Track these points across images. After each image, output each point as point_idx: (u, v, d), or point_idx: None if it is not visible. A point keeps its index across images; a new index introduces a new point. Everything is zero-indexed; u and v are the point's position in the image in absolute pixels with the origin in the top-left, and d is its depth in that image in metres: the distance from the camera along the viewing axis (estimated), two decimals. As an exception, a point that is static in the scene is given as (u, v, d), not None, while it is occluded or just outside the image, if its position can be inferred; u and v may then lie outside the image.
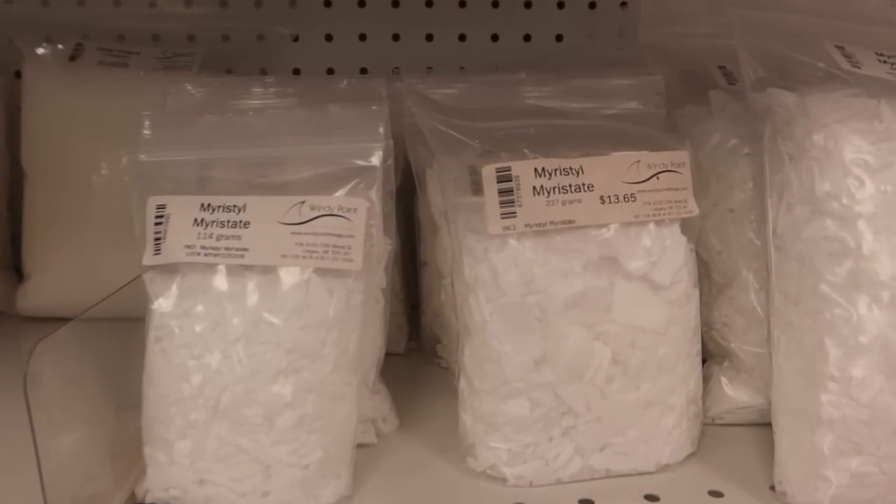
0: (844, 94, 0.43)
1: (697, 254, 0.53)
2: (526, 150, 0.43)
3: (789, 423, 0.41)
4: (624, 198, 0.43)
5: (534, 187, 0.42)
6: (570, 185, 0.43)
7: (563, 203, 0.43)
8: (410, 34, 0.80)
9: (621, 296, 0.43)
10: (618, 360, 0.43)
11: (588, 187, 0.43)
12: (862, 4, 0.48)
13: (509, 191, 0.42)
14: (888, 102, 0.42)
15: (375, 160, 0.42)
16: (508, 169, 0.43)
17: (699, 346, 0.47)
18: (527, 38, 0.82)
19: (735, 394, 0.50)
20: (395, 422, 0.50)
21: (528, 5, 0.80)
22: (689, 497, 0.42)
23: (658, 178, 0.44)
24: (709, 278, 0.53)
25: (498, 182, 0.42)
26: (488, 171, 0.42)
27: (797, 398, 0.41)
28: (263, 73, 0.79)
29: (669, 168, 0.45)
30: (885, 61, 0.45)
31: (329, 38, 0.80)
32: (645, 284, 0.43)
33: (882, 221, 0.40)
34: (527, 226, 0.42)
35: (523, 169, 0.43)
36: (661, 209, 0.44)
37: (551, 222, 0.42)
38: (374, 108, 0.44)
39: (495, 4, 0.80)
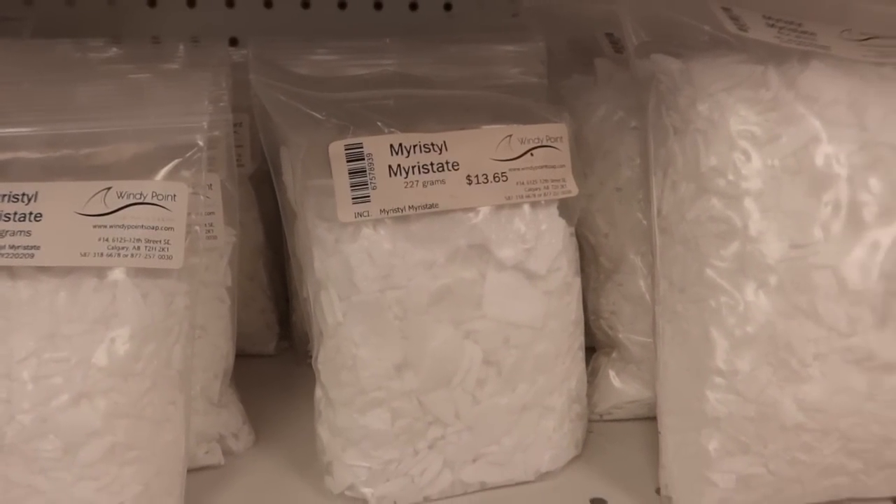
0: (731, 60, 0.40)
1: (584, 237, 0.49)
2: (380, 124, 0.38)
3: (674, 422, 0.38)
4: (494, 177, 0.38)
5: (390, 167, 0.37)
6: (432, 164, 0.38)
7: (424, 184, 0.37)
8: (284, 1, 0.73)
9: (493, 288, 0.38)
10: (490, 361, 0.38)
11: (452, 166, 0.38)
12: (749, -36, 0.44)
13: (361, 171, 0.37)
14: (776, 69, 0.39)
15: (199, 138, 0.36)
16: (360, 145, 0.37)
17: (582, 339, 0.43)
18: (413, 6, 0.76)
19: (623, 387, 0.46)
20: (249, 438, 0.44)
21: (446, -29, 0.75)
22: (571, 509, 0.38)
23: (532, 154, 0.40)
24: (596, 263, 0.49)
25: (348, 161, 0.37)
26: (335, 149, 0.37)
27: (682, 395, 0.38)
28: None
29: (545, 143, 0.40)
30: (772, 25, 0.42)
31: (191, 3, 0.72)
32: (519, 274, 0.39)
33: (770, 199, 0.37)
34: (382, 211, 0.37)
35: (377, 145, 0.37)
36: (536, 189, 0.39)
37: (410, 207, 0.37)
38: (198, 75, 0.37)
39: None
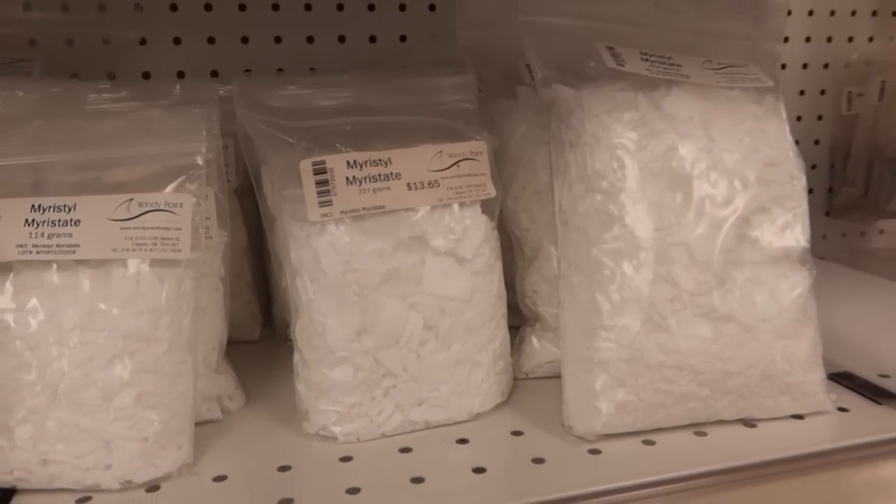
0: (612, 88, 0.51)
1: (511, 231, 0.61)
2: (339, 145, 0.49)
3: (572, 368, 0.49)
4: (429, 184, 0.50)
5: (347, 178, 0.48)
6: (380, 175, 0.49)
7: (374, 191, 0.48)
8: (259, 37, 0.83)
9: (430, 270, 0.49)
10: (429, 326, 0.49)
11: (396, 176, 0.49)
12: (631, 10, 0.55)
13: (325, 182, 0.48)
14: (645, 95, 0.50)
15: (199, 159, 0.46)
16: (323, 162, 0.48)
17: (504, 309, 0.54)
18: (372, 39, 0.87)
19: (543, 350, 0.57)
20: (241, 399, 0.55)
21: (371, 7, 0.86)
22: (495, 438, 0.49)
23: (459, 165, 0.51)
24: (521, 253, 0.60)
25: (314, 174, 0.48)
26: (305, 166, 0.47)
27: (577, 347, 0.49)
28: (111, 76, 0.80)
29: (469, 157, 0.51)
30: (646, 59, 0.53)
31: (177, 41, 0.81)
32: (451, 259, 0.50)
33: (639, 194, 0.48)
34: (342, 212, 0.47)
35: (336, 162, 0.48)
36: (462, 192, 0.50)
37: (364, 208, 0.48)
38: (197, 111, 0.48)
39: (340, 7, 0.85)
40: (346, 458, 0.47)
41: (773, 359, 0.47)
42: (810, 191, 1.11)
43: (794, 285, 0.49)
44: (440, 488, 0.43)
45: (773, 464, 0.45)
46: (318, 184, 0.47)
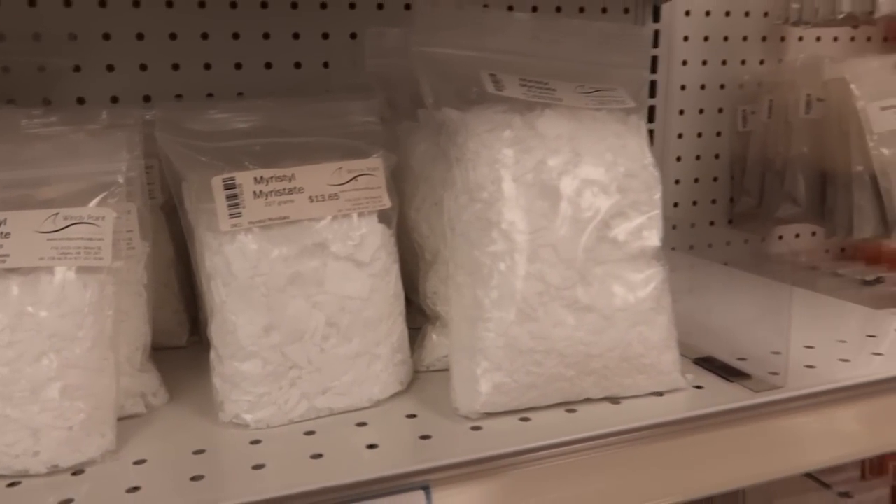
0: (493, 110, 0.58)
1: (414, 239, 0.67)
2: (247, 163, 0.55)
3: (458, 357, 0.56)
4: (329, 196, 0.56)
5: (254, 192, 0.54)
6: (284, 189, 0.55)
7: (279, 203, 0.54)
8: (189, 64, 0.89)
9: (331, 273, 0.55)
10: (331, 323, 0.55)
11: (299, 190, 0.55)
12: (513, 41, 0.63)
13: (234, 196, 0.54)
14: (521, 116, 0.58)
15: (120, 177, 0.52)
16: (233, 178, 0.54)
17: (401, 307, 0.60)
18: (297, 65, 0.93)
19: (441, 345, 0.64)
20: (164, 396, 0.60)
21: (296, 36, 0.92)
22: (391, 420, 0.55)
23: (357, 180, 0.57)
24: (423, 258, 0.67)
25: (225, 190, 0.54)
26: (216, 182, 0.53)
27: (463, 338, 0.55)
28: (47, 102, 0.85)
29: (366, 172, 0.58)
30: (524, 84, 0.61)
31: (111, 68, 0.86)
32: (350, 263, 0.56)
33: (514, 203, 0.55)
34: (250, 223, 0.53)
35: (245, 178, 0.54)
36: (359, 204, 0.57)
37: (270, 219, 0.54)
38: (120, 134, 0.53)
39: (266, 36, 0.91)
40: (256, 441, 0.52)
41: (629, 343, 0.55)
42: (713, 201, 1.21)
43: (649, 279, 0.56)
44: (334, 461, 0.49)
45: (631, 431, 0.53)
46: (229, 198, 0.53)
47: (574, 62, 0.63)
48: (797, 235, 1.24)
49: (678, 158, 1.14)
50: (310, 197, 0.55)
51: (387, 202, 0.58)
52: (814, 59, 1.01)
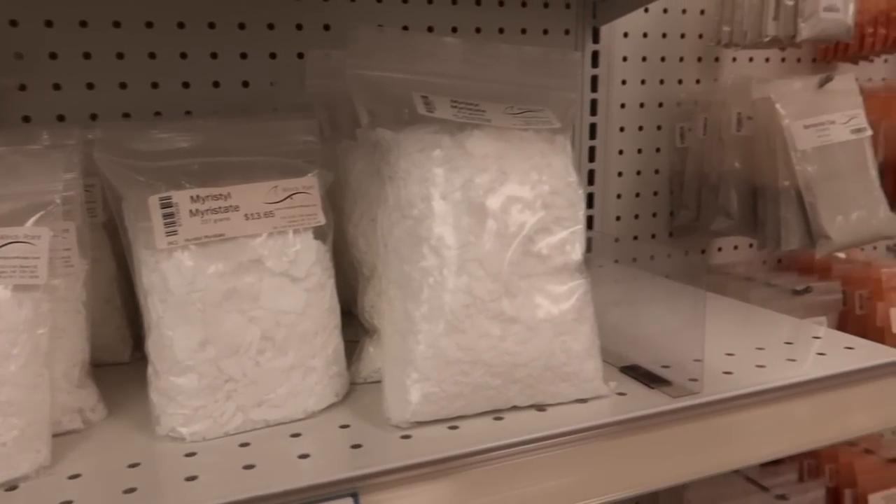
0: (425, 131, 0.60)
1: (353, 254, 0.69)
2: (184, 182, 0.56)
3: (390, 368, 0.58)
4: (264, 214, 0.58)
5: (190, 210, 0.56)
6: (220, 207, 0.57)
7: (215, 221, 0.56)
8: (136, 82, 0.90)
9: (267, 288, 0.57)
10: (266, 336, 0.57)
11: (234, 208, 0.57)
12: (445, 65, 0.65)
13: (171, 214, 0.55)
14: (450, 136, 0.60)
15: (57, 197, 0.53)
16: (169, 197, 0.55)
17: (337, 320, 0.62)
18: (245, 84, 0.95)
19: (377, 357, 0.66)
20: (103, 412, 0.61)
21: (244, 56, 0.94)
22: (324, 431, 0.57)
23: (292, 198, 0.59)
24: (361, 273, 0.69)
25: (161, 208, 0.55)
26: (153, 201, 0.55)
27: (394, 350, 0.57)
28: (-8, 121, 0.85)
29: (301, 190, 0.60)
30: (455, 106, 0.63)
31: (57, 87, 0.87)
32: (285, 278, 0.58)
33: (443, 219, 0.57)
34: (187, 240, 0.55)
35: (181, 197, 0.56)
36: (295, 221, 0.59)
37: (206, 236, 0.56)
38: (58, 155, 0.55)
39: (214, 56, 0.93)
40: (191, 454, 0.54)
41: (553, 352, 0.57)
42: (654, 214, 1.25)
43: (572, 291, 0.59)
44: (267, 471, 0.50)
45: (553, 437, 0.55)
46: (165, 216, 0.55)
47: (504, 84, 0.66)
48: (735, 247, 1.29)
49: (619, 174, 1.18)
50: (245, 215, 0.57)
51: (321, 219, 0.60)
52: (743, 79, 1.06)
